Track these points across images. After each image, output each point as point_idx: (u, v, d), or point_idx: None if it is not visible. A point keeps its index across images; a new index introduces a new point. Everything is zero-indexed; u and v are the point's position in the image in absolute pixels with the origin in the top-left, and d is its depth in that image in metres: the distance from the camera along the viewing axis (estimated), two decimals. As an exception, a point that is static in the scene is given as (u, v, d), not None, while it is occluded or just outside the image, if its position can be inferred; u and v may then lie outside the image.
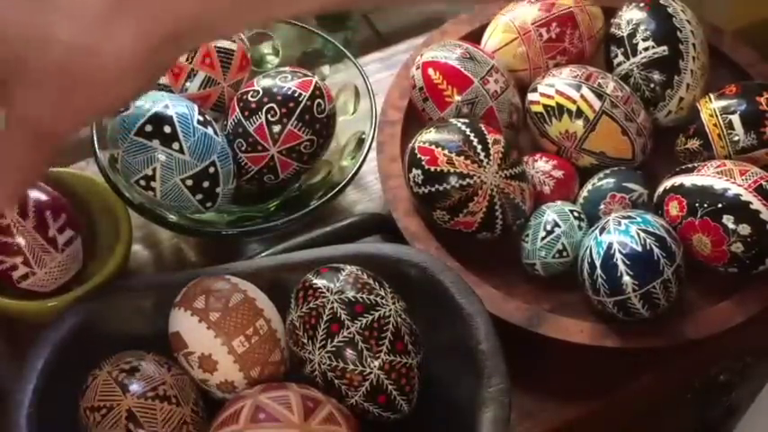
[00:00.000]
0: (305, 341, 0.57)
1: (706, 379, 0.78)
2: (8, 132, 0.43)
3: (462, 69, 0.72)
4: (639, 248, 0.64)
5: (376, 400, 0.56)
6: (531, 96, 0.73)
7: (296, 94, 0.69)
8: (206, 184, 0.67)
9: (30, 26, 0.40)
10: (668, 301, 0.65)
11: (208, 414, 0.58)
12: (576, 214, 0.68)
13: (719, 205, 0.66)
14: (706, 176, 0.67)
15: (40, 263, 0.63)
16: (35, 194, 0.64)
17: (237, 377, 0.58)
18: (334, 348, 0.56)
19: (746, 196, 0.65)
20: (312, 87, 0.70)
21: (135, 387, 0.56)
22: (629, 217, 0.66)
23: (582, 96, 0.71)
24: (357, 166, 0.71)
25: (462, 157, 0.66)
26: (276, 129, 0.69)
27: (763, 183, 0.66)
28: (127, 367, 0.57)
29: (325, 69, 0.77)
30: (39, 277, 0.64)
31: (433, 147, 0.67)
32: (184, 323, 0.58)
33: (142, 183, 0.67)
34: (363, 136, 0.73)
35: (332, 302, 0.57)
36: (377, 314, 0.56)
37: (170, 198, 0.67)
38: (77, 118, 0.43)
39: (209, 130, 0.68)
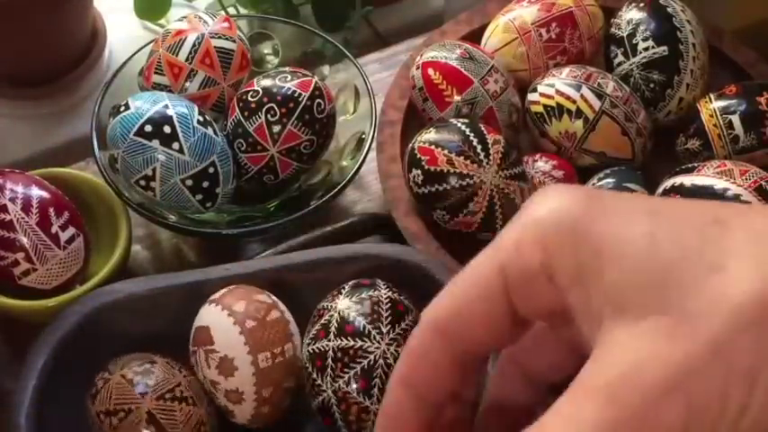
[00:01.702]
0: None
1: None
2: None
3: (462, 69, 0.72)
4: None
5: None
6: (530, 96, 0.73)
7: (296, 94, 0.69)
8: (206, 184, 0.67)
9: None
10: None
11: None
12: (575, 214, 0.68)
13: (719, 205, 0.66)
14: (706, 176, 0.67)
15: (42, 259, 0.63)
16: (39, 191, 0.65)
17: (249, 390, 0.56)
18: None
19: (746, 196, 0.65)
20: (312, 87, 0.70)
21: (152, 389, 0.56)
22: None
23: (582, 96, 0.71)
24: (357, 166, 0.71)
25: (462, 157, 0.66)
26: (276, 129, 0.69)
27: (763, 183, 0.66)
28: (140, 369, 0.56)
29: (325, 69, 0.77)
30: (40, 274, 0.64)
31: (432, 147, 0.67)
32: (218, 321, 0.57)
33: (142, 183, 0.67)
34: (363, 136, 0.73)
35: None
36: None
37: (170, 198, 0.67)
38: None
39: (209, 131, 0.68)
